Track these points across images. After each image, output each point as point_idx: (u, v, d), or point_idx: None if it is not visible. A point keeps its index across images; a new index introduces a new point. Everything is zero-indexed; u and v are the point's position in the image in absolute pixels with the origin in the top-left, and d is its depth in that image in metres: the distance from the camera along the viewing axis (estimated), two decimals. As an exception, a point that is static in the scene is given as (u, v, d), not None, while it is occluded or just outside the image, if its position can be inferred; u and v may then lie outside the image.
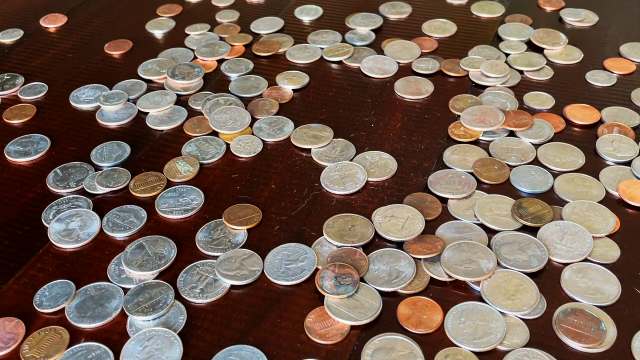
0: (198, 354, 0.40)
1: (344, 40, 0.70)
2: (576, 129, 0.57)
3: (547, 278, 0.44)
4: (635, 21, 0.72)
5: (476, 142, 0.55)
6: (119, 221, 0.49)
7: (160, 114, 0.60)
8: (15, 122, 0.61)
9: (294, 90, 0.63)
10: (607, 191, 0.50)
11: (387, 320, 0.42)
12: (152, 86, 0.64)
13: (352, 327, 0.41)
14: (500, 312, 0.41)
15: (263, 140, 0.57)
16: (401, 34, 0.71)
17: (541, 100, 0.60)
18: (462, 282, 0.44)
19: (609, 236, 0.47)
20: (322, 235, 0.47)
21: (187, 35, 0.72)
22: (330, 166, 0.53)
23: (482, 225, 0.48)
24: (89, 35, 0.74)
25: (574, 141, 0.55)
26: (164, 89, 0.64)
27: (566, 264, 0.45)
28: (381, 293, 0.43)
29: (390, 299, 0.43)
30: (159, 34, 0.74)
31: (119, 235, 0.48)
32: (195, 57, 0.68)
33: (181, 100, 0.62)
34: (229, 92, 0.62)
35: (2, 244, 0.48)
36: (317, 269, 0.45)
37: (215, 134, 0.57)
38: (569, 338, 0.40)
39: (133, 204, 0.51)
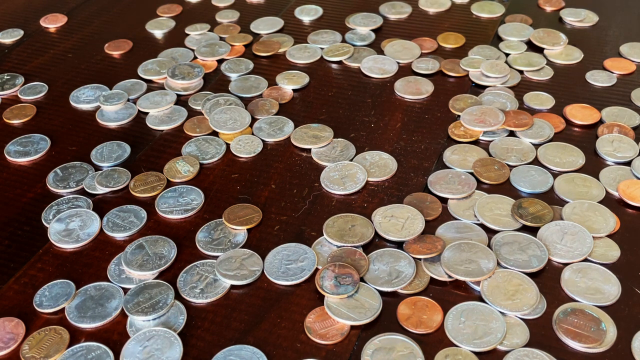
0: (198, 354, 0.40)
1: (344, 40, 0.70)
2: (576, 129, 0.57)
3: (547, 278, 0.44)
4: (635, 21, 0.72)
5: (476, 142, 0.55)
6: (119, 221, 0.49)
7: (160, 114, 0.60)
8: (15, 122, 0.61)
9: (294, 90, 0.63)
10: (607, 191, 0.50)
11: (387, 320, 0.42)
12: (152, 86, 0.64)
13: (352, 327, 0.41)
14: (500, 312, 0.41)
15: (263, 140, 0.57)
16: (401, 34, 0.71)
17: (541, 100, 0.60)
18: (462, 282, 0.44)
19: (609, 236, 0.47)
20: (322, 235, 0.47)
21: (187, 35, 0.72)
22: (330, 166, 0.53)
23: (482, 225, 0.48)
24: (89, 35, 0.74)
25: (574, 141, 0.55)
26: (164, 89, 0.64)
27: (566, 264, 0.45)
28: (381, 293, 0.43)
29: (390, 299, 0.43)
30: (159, 34, 0.74)
31: (119, 235, 0.48)
32: (195, 57, 0.68)
33: (181, 100, 0.62)
34: (229, 92, 0.62)
35: (2, 244, 0.48)
36: (317, 269, 0.45)
37: (215, 134, 0.57)
38: (569, 338, 0.40)
39: (133, 204, 0.51)
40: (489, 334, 0.40)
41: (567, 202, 0.49)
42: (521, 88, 0.61)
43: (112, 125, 0.60)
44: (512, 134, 0.56)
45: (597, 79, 0.62)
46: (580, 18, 0.72)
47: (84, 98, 0.63)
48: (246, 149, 0.56)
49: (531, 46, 0.67)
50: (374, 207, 0.49)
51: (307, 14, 0.75)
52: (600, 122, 0.57)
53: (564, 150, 0.54)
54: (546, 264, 0.44)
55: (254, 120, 0.59)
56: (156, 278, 0.45)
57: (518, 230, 0.47)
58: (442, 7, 0.76)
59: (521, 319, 0.41)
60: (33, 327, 0.42)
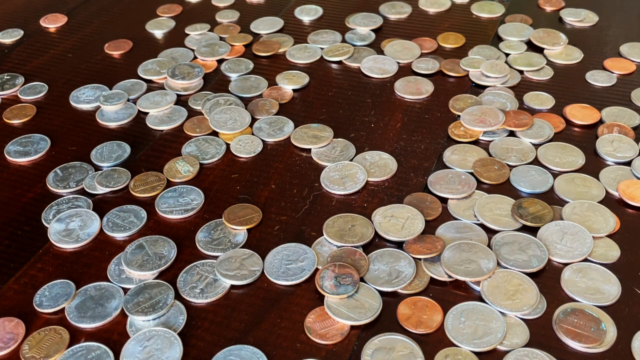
0: (198, 354, 0.40)
1: (344, 40, 0.70)
2: (576, 129, 0.57)
3: (547, 278, 0.44)
4: (635, 21, 0.72)
5: (476, 142, 0.55)
6: (119, 221, 0.49)
7: (160, 114, 0.60)
8: (15, 122, 0.61)
9: (294, 90, 0.63)
10: (607, 191, 0.50)
11: (387, 320, 0.42)
12: (152, 86, 0.64)
13: (352, 327, 0.41)
14: (500, 312, 0.41)
15: (263, 140, 0.57)
16: (401, 34, 0.71)
17: (541, 100, 0.60)
18: (462, 282, 0.44)
19: (609, 236, 0.47)
20: (322, 235, 0.47)
21: (187, 35, 0.72)
22: (330, 166, 0.53)
23: (482, 225, 0.48)
24: (89, 35, 0.74)
25: (574, 141, 0.55)
26: (164, 89, 0.64)
27: (566, 264, 0.45)
28: (381, 293, 0.43)
29: (390, 299, 0.43)
30: (159, 34, 0.74)
31: (119, 235, 0.48)
32: (195, 57, 0.68)
33: (181, 100, 0.62)
34: (229, 92, 0.62)
35: (2, 244, 0.48)
36: (317, 269, 0.45)
37: (215, 134, 0.57)
38: (569, 338, 0.40)
39: (133, 204, 0.51)
40: (489, 334, 0.40)
41: (567, 202, 0.49)
42: (521, 88, 0.61)
43: (112, 125, 0.60)
44: (512, 134, 0.56)
45: (597, 79, 0.62)
46: (580, 18, 0.72)
47: (84, 98, 0.63)
48: (246, 149, 0.56)
49: (531, 46, 0.67)
50: (374, 207, 0.49)
51: (307, 14, 0.75)
52: (600, 122, 0.57)
53: (564, 150, 0.54)
54: (546, 264, 0.44)
55: (254, 120, 0.59)
56: (156, 278, 0.45)
57: (518, 230, 0.47)
58: (442, 7, 0.76)
59: (521, 319, 0.41)
60: (33, 327, 0.42)
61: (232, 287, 0.44)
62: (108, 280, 0.45)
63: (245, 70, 0.66)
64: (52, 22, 0.77)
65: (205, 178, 0.53)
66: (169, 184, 0.53)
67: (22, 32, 0.75)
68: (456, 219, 0.48)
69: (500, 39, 0.69)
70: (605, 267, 0.44)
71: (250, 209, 0.50)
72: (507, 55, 0.66)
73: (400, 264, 0.45)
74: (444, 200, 0.50)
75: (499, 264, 0.44)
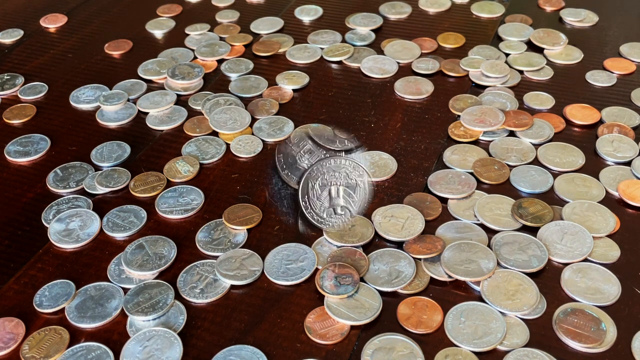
0: (198, 354, 0.40)
1: (344, 40, 0.70)
2: (576, 129, 0.57)
3: (547, 278, 0.44)
4: (635, 21, 0.72)
5: (476, 142, 0.55)
6: (119, 221, 0.49)
7: (160, 114, 0.60)
8: (15, 122, 0.61)
9: (294, 90, 0.63)
10: (607, 191, 0.50)
11: (387, 320, 0.42)
12: (152, 86, 0.64)
13: (352, 327, 0.41)
14: (500, 312, 0.41)
15: (263, 140, 0.57)
16: (401, 34, 0.71)
17: (541, 100, 0.60)
18: (462, 282, 0.44)
19: (609, 236, 0.47)
20: (322, 235, 0.47)
21: (187, 35, 0.72)
22: (330, 166, 0.53)
23: (482, 225, 0.48)
24: (89, 35, 0.74)
25: (574, 141, 0.55)
26: (164, 89, 0.64)
27: (566, 264, 0.45)
28: (381, 293, 0.43)
29: (390, 299, 0.43)
30: (159, 34, 0.74)
31: (119, 235, 0.48)
32: (195, 57, 0.68)
33: (181, 100, 0.62)
34: (229, 92, 0.62)
35: (2, 244, 0.48)
36: (317, 269, 0.45)
37: (215, 134, 0.57)
38: (569, 338, 0.40)
39: (133, 204, 0.51)
40: (489, 334, 0.40)
41: (567, 202, 0.49)
42: (521, 88, 0.61)
43: (112, 125, 0.60)
44: (512, 134, 0.56)
45: (597, 79, 0.62)
46: (580, 18, 0.72)
47: (84, 98, 0.63)
48: (246, 149, 0.56)
49: (531, 46, 0.67)
50: (374, 207, 0.49)
51: (307, 14, 0.75)
52: (600, 122, 0.57)
53: (564, 150, 0.54)
54: (546, 264, 0.44)
55: (254, 120, 0.59)
56: (156, 278, 0.45)
57: (518, 230, 0.47)
58: (442, 7, 0.76)
59: (521, 319, 0.41)
60: (33, 327, 0.42)
61: (232, 287, 0.44)
62: (108, 280, 0.45)
63: (245, 70, 0.66)
64: (52, 22, 0.77)
65: (205, 178, 0.53)
66: (169, 184, 0.53)
67: (22, 32, 0.75)
68: (456, 219, 0.48)
69: (500, 39, 0.69)
70: (605, 267, 0.44)
71: (250, 209, 0.50)
72: (507, 55, 0.66)
73: (400, 264, 0.45)
74: (444, 200, 0.50)
75: (499, 264, 0.44)
